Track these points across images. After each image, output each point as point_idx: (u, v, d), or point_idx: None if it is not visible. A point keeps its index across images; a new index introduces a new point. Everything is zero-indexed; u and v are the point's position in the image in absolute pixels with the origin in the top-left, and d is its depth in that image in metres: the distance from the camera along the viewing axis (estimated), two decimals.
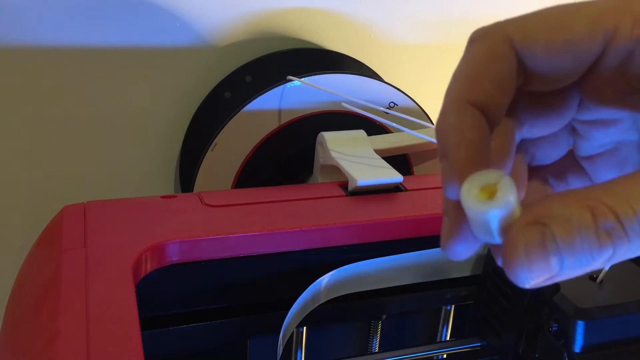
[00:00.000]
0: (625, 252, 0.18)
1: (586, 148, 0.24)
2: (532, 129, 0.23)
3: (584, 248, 0.18)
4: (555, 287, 0.38)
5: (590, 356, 0.38)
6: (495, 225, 0.19)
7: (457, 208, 0.20)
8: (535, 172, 0.25)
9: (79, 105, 0.55)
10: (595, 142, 0.23)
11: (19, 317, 0.33)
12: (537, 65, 0.20)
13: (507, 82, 0.21)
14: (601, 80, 0.21)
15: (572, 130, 0.24)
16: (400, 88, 0.54)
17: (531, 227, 0.18)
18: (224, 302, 0.41)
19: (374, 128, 0.52)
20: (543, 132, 0.23)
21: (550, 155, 0.24)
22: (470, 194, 0.19)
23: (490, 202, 0.19)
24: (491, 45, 0.21)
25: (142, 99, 0.56)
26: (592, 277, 0.39)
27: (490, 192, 0.19)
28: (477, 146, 0.20)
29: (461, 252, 0.20)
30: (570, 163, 0.25)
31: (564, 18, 0.20)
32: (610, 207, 0.18)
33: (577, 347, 0.37)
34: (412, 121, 0.49)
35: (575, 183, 0.25)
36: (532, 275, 0.18)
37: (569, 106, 0.23)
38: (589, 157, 0.24)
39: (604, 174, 0.24)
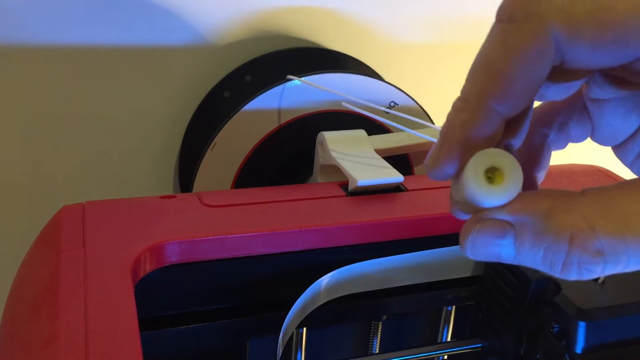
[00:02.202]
0: (594, 274, 0.18)
1: (598, 92, 0.22)
2: (547, 93, 0.22)
3: (544, 264, 0.18)
4: (557, 288, 0.38)
5: (591, 357, 0.38)
6: (484, 205, 0.19)
7: (464, 142, 0.19)
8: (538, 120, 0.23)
9: (77, 105, 0.55)
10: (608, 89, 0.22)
11: (17, 317, 0.33)
12: (576, 59, 0.18)
13: (541, 84, 0.19)
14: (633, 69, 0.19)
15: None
16: (400, 87, 0.54)
17: (498, 223, 0.19)
18: (224, 302, 0.41)
19: (374, 128, 0.52)
20: (558, 96, 0.22)
21: (560, 94, 0.22)
22: (476, 174, 0.18)
23: (496, 191, 0.18)
24: (530, 37, 0.18)
25: (141, 98, 0.56)
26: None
27: (495, 176, 0.18)
28: (487, 144, 0.19)
29: (450, 173, 0.20)
30: (575, 105, 0.23)
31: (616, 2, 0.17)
32: (595, 234, 0.17)
33: (579, 348, 0.37)
34: (413, 121, 0.49)
35: (576, 130, 0.23)
36: (475, 255, 0.19)
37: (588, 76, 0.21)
38: (598, 100, 0.22)
39: (607, 120, 0.22)
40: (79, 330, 0.29)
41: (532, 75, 0.18)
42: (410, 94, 0.54)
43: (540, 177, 0.24)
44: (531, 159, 0.24)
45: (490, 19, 0.20)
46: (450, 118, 0.19)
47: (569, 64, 0.19)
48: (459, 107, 0.19)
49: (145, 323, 0.37)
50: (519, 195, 0.19)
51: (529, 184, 0.23)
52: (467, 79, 0.19)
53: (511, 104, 0.19)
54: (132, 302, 0.31)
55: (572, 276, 0.18)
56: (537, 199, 0.19)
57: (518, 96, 0.19)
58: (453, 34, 0.63)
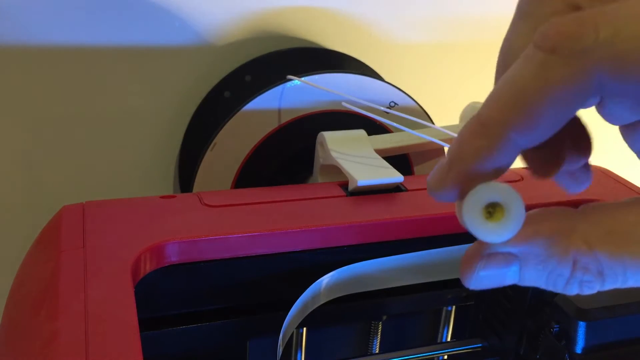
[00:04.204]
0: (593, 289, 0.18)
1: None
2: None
3: (547, 285, 0.19)
4: None
5: (591, 357, 0.38)
6: (483, 239, 0.18)
7: (469, 174, 0.18)
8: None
9: (77, 105, 0.55)
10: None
11: (17, 317, 0.33)
12: (619, 94, 0.17)
13: (570, 118, 0.17)
14: None
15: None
16: (400, 88, 0.54)
17: (501, 256, 0.18)
18: (224, 302, 0.41)
19: (374, 128, 0.52)
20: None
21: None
22: (474, 211, 0.18)
23: (495, 229, 0.18)
24: (572, 76, 0.16)
25: (141, 98, 0.56)
26: None
27: (495, 211, 0.18)
28: (497, 174, 0.18)
29: (453, 198, 0.19)
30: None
31: None
32: (595, 256, 0.18)
33: (579, 348, 0.37)
34: (413, 121, 0.49)
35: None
36: (479, 285, 0.19)
37: None
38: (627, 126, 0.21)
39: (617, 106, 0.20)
40: (79, 330, 0.29)
41: (564, 113, 0.17)
42: (410, 94, 0.54)
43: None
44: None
45: (491, 19, 0.19)
46: (464, 140, 0.18)
47: (611, 98, 0.18)
48: (475, 131, 0.18)
49: (145, 323, 0.37)
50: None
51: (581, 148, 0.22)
52: (490, 103, 0.18)
53: (534, 138, 0.18)
54: (132, 302, 0.31)
55: (573, 292, 0.19)
56: (539, 226, 0.18)
57: (544, 132, 0.17)
58: (453, 34, 0.63)
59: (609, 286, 0.18)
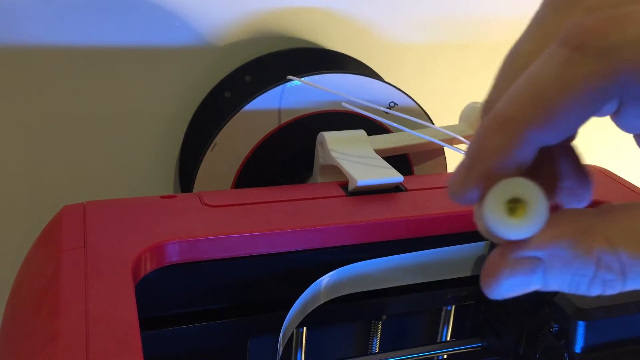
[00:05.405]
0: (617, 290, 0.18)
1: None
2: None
3: (570, 287, 0.18)
4: None
5: (590, 357, 0.38)
6: (505, 237, 0.18)
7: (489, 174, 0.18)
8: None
9: (78, 105, 0.55)
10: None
11: (17, 317, 0.33)
12: (637, 97, 0.17)
13: (591, 116, 0.17)
14: None
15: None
16: (400, 88, 0.54)
17: (527, 261, 0.18)
18: (224, 302, 0.41)
19: (374, 128, 0.52)
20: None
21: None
22: (496, 207, 0.17)
23: (518, 224, 0.17)
24: (598, 76, 0.16)
25: (141, 98, 0.56)
26: None
27: (517, 207, 0.17)
28: (518, 173, 0.18)
29: (475, 199, 0.18)
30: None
31: None
32: (617, 255, 0.17)
33: (578, 347, 0.37)
34: (413, 121, 0.49)
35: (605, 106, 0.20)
36: (503, 294, 0.18)
37: None
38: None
39: (634, 113, 0.19)
40: (80, 330, 0.29)
41: (587, 113, 0.17)
42: (410, 94, 0.54)
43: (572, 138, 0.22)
44: None
45: (491, 19, 0.19)
46: (482, 140, 0.18)
47: (632, 100, 0.18)
48: (493, 129, 0.18)
49: (146, 323, 0.37)
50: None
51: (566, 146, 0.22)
52: (509, 100, 0.18)
53: (554, 136, 0.17)
54: (132, 302, 0.31)
55: (596, 293, 0.18)
56: (562, 228, 0.18)
57: (565, 130, 0.17)
58: (453, 34, 0.63)
59: (630, 286, 0.18)
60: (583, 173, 0.22)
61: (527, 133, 0.17)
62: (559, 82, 0.17)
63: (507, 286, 0.18)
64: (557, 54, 0.17)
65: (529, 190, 0.17)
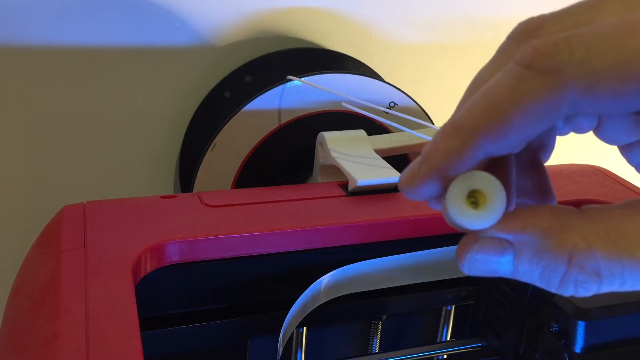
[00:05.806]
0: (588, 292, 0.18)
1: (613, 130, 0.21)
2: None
3: (541, 281, 0.19)
4: None
5: (590, 356, 0.38)
6: (468, 228, 0.19)
7: (444, 168, 0.19)
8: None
9: (78, 105, 0.55)
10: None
11: (18, 317, 0.33)
12: (592, 111, 0.18)
13: (539, 132, 0.18)
14: None
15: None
16: (400, 88, 0.54)
17: (497, 240, 0.19)
18: (224, 302, 0.41)
19: (374, 128, 0.52)
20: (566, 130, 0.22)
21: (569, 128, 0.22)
22: (457, 200, 0.18)
23: (478, 215, 0.18)
24: (544, 92, 0.17)
25: (141, 98, 0.56)
26: None
27: (476, 199, 0.18)
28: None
29: (426, 196, 0.20)
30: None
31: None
32: (593, 255, 0.18)
33: (578, 347, 0.37)
34: (413, 121, 0.49)
35: (582, 122, 0.22)
36: (472, 272, 0.19)
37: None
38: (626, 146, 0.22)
39: (612, 126, 0.21)
40: (80, 330, 0.29)
41: (534, 126, 0.18)
42: (410, 94, 0.54)
43: (545, 158, 0.23)
44: (537, 141, 0.23)
45: (491, 19, 0.19)
46: (437, 141, 0.19)
47: (585, 114, 0.19)
48: (448, 132, 0.19)
49: (146, 323, 0.37)
50: (519, 213, 0.19)
51: (534, 165, 0.23)
52: (465, 109, 0.19)
53: (502, 147, 0.18)
54: (132, 302, 0.31)
55: (568, 293, 0.19)
56: (537, 218, 0.19)
57: (512, 143, 0.18)
58: (453, 34, 0.63)
59: (605, 288, 0.18)
60: (546, 193, 0.23)
61: (477, 140, 0.18)
62: (510, 94, 0.18)
63: (476, 262, 0.19)
64: (512, 71, 0.18)
65: (487, 182, 0.18)
